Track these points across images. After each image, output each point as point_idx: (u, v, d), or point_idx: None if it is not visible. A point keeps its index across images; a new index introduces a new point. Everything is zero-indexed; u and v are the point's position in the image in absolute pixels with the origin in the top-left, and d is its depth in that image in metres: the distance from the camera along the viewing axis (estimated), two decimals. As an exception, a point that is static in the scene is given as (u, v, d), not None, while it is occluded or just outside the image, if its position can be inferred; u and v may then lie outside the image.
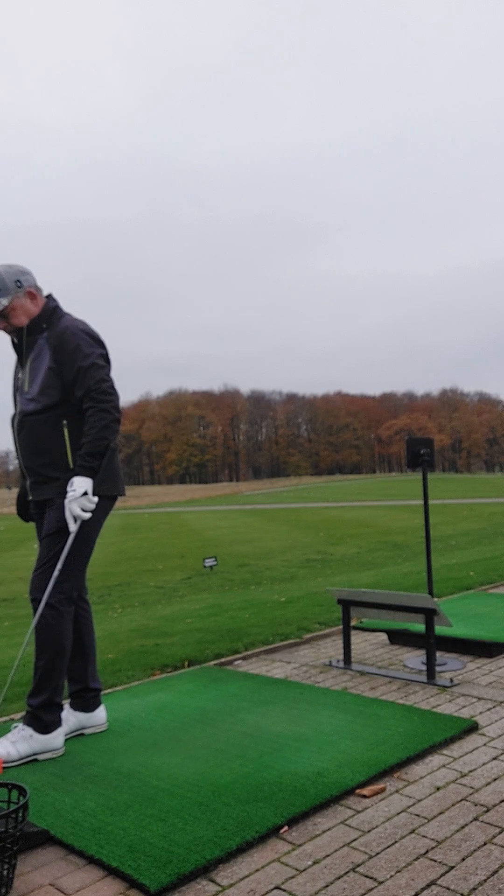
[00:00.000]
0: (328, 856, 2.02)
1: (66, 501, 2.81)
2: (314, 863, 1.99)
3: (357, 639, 4.74)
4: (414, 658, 4.12)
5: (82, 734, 3.05)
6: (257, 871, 1.96)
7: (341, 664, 4.03)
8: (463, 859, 1.96)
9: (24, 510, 3.26)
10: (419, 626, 4.40)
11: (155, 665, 4.15)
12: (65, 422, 2.96)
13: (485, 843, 2.04)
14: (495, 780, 2.46)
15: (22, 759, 2.76)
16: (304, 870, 1.95)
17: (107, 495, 3.00)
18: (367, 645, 4.57)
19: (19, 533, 25.14)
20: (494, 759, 2.64)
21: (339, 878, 1.90)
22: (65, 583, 2.90)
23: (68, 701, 3.11)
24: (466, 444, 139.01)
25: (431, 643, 3.66)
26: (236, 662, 4.25)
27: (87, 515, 2.82)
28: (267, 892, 1.86)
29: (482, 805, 2.28)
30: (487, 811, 2.24)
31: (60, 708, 2.91)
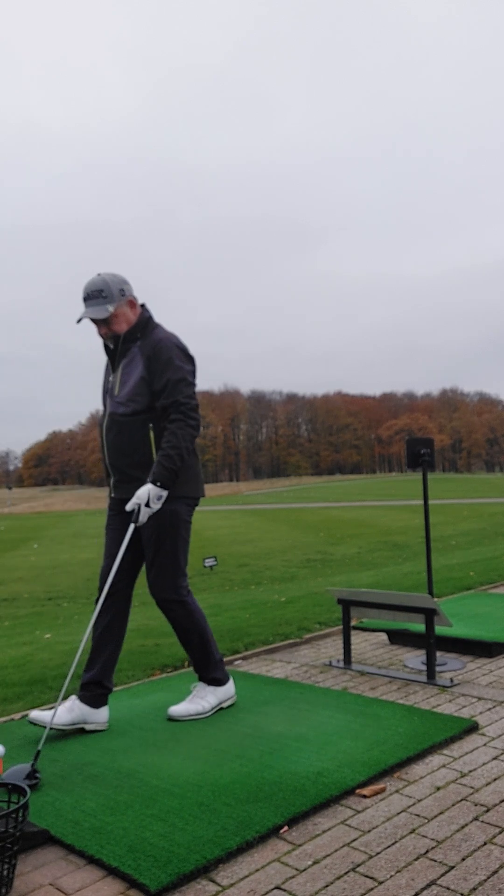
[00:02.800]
0: (328, 856, 2.02)
1: (148, 511, 3.01)
2: (314, 863, 1.99)
3: (357, 639, 4.74)
4: (414, 658, 4.12)
5: (82, 730, 3.05)
6: (257, 870, 1.96)
7: (341, 664, 4.03)
8: (463, 859, 1.96)
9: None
10: (419, 626, 4.39)
11: (155, 665, 4.15)
12: (151, 425, 3.15)
13: (485, 843, 2.04)
14: (495, 780, 2.46)
15: (212, 709, 3.21)
16: (305, 870, 1.95)
17: (192, 496, 3.24)
18: (367, 645, 4.57)
19: (19, 533, 25.14)
20: (494, 759, 2.64)
21: (339, 878, 1.90)
22: (178, 578, 3.20)
23: (77, 693, 3.11)
24: (466, 444, 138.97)
25: (431, 643, 3.66)
26: (236, 662, 4.25)
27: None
28: (267, 892, 1.86)
29: (482, 805, 2.28)
30: (487, 811, 2.24)
31: (223, 664, 3.34)
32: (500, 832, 2.10)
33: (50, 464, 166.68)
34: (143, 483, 3.11)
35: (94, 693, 3.09)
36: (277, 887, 1.87)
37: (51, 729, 2.85)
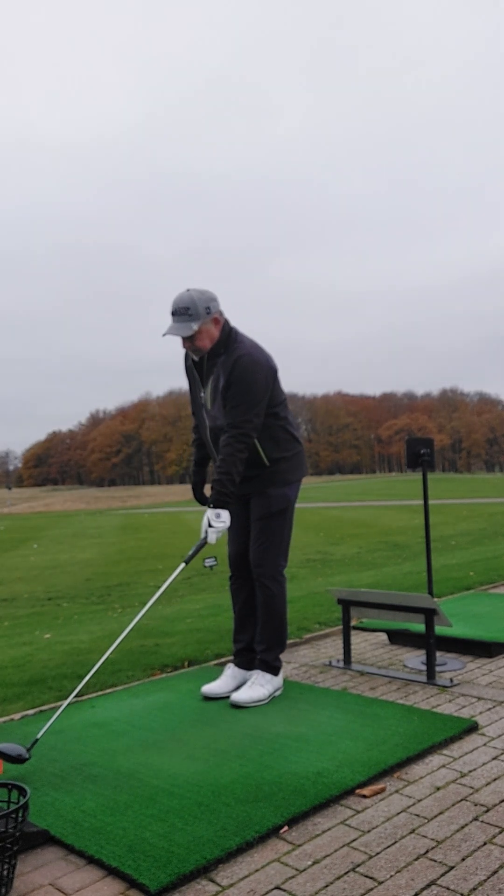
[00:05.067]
0: (328, 856, 2.02)
1: (213, 530, 3.24)
2: (314, 863, 1.99)
3: (357, 639, 4.74)
4: (414, 658, 4.12)
5: (81, 730, 3.05)
6: (257, 871, 1.96)
7: (341, 664, 4.03)
8: (463, 859, 1.96)
9: (202, 497, 3.81)
10: (419, 626, 4.39)
11: (155, 665, 4.15)
12: None
13: (485, 843, 2.04)
14: (495, 780, 2.46)
15: (269, 696, 3.36)
16: (304, 870, 1.95)
17: (299, 479, 3.56)
18: (367, 645, 4.57)
19: (19, 533, 25.15)
20: (494, 759, 2.64)
21: (339, 878, 1.90)
22: (280, 557, 3.48)
23: (233, 661, 3.59)
24: (466, 444, 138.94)
25: (431, 643, 3.66)
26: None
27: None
28: (267, 892, 1.86)
29: (482, 805, 2.28)
30: (487, 811, 2.24)
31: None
32: (500, 832, 2.10)
33: (50, 464, 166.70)
34: (256, 479, 3.44)
35: (249, 657, 3.56)
36: (277, 887, 1.87)
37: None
